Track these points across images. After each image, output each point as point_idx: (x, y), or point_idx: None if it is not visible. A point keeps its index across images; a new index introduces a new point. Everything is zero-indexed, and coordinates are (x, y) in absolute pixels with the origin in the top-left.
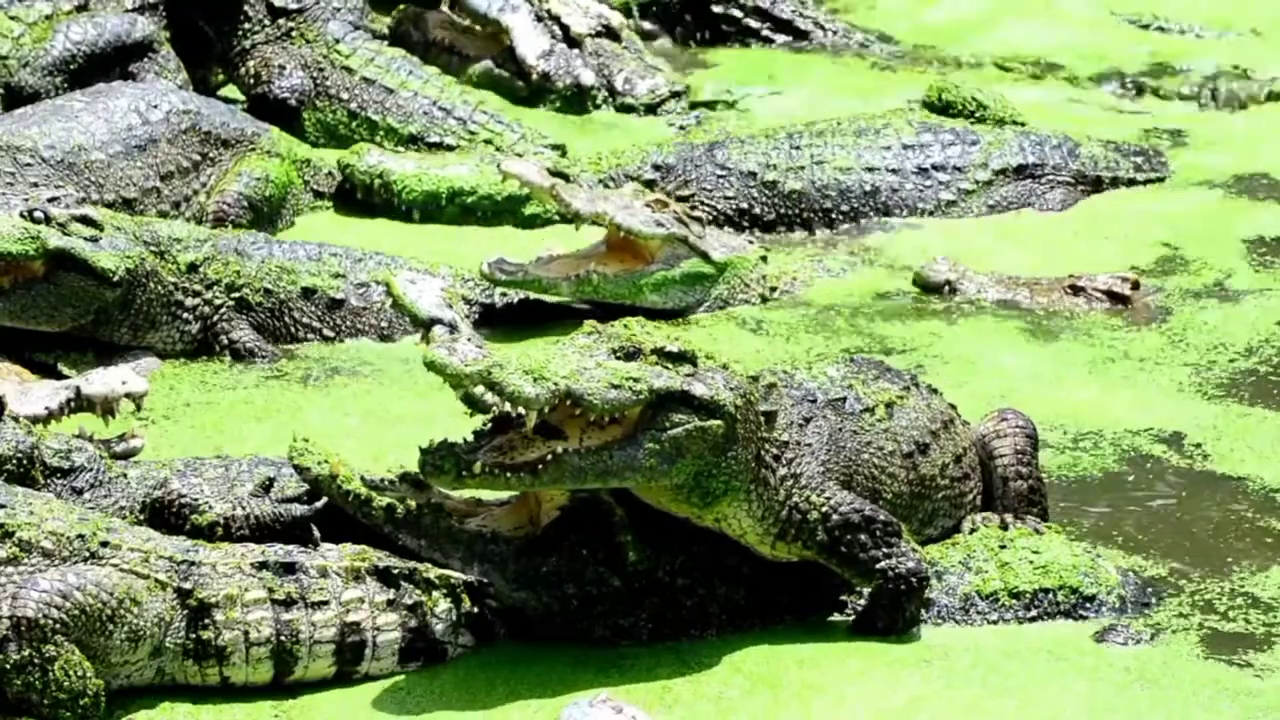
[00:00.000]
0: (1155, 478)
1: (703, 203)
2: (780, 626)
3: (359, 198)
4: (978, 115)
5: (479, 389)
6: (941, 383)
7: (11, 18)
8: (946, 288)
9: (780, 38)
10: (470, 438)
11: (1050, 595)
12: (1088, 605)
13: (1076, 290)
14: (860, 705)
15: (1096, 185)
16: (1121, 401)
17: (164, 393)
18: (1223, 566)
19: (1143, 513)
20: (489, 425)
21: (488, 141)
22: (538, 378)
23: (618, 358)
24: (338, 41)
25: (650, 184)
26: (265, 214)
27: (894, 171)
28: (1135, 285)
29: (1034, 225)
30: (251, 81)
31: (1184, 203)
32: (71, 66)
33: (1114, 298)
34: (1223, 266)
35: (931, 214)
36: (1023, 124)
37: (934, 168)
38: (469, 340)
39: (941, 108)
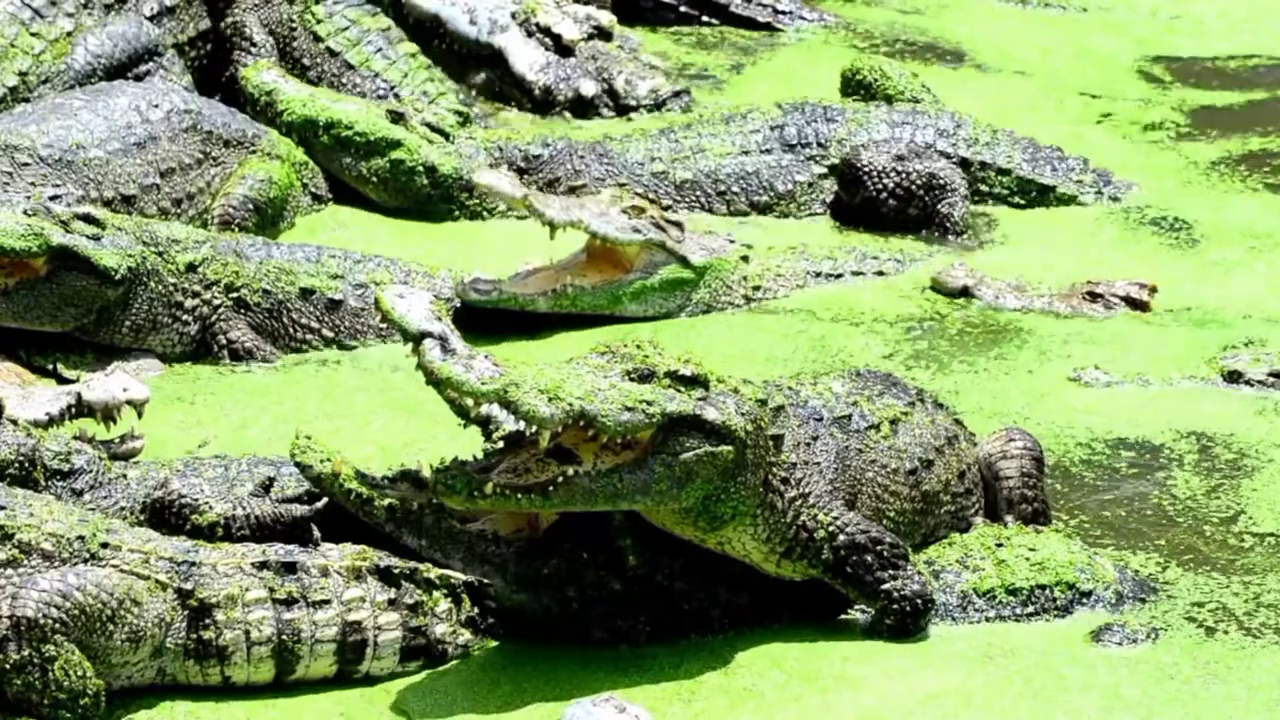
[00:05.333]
0: (1160, 478)
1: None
2: (832, 623)
3: (246, 111)
4: (879, 86)
5: (493, 407)
6: (948, 384)
7: (33, 34)
8: (963, 293)
9: (707, 18)
10: (481, 456)
11: (1047, 592)
12: (1084, 601)
13: (1095, 296)
14: (875, 698)
15: (963, 167)
16: (1133, 403)
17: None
18: (1225, 564)
19: (1149, 511)
20: (500, 444)
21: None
22: (553, 398)
23: (631, 379)
24: (319, 2)
25: (536, 158)
26: (269, 216)
27: (767, 151)
28: (1154, 290)
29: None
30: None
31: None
32: (92, 80)
33: (1132, 303)
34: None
35: (810, 187)
36: (918, 100)
37: (800, 145)
38: (485, 357)
39: (850, 75)
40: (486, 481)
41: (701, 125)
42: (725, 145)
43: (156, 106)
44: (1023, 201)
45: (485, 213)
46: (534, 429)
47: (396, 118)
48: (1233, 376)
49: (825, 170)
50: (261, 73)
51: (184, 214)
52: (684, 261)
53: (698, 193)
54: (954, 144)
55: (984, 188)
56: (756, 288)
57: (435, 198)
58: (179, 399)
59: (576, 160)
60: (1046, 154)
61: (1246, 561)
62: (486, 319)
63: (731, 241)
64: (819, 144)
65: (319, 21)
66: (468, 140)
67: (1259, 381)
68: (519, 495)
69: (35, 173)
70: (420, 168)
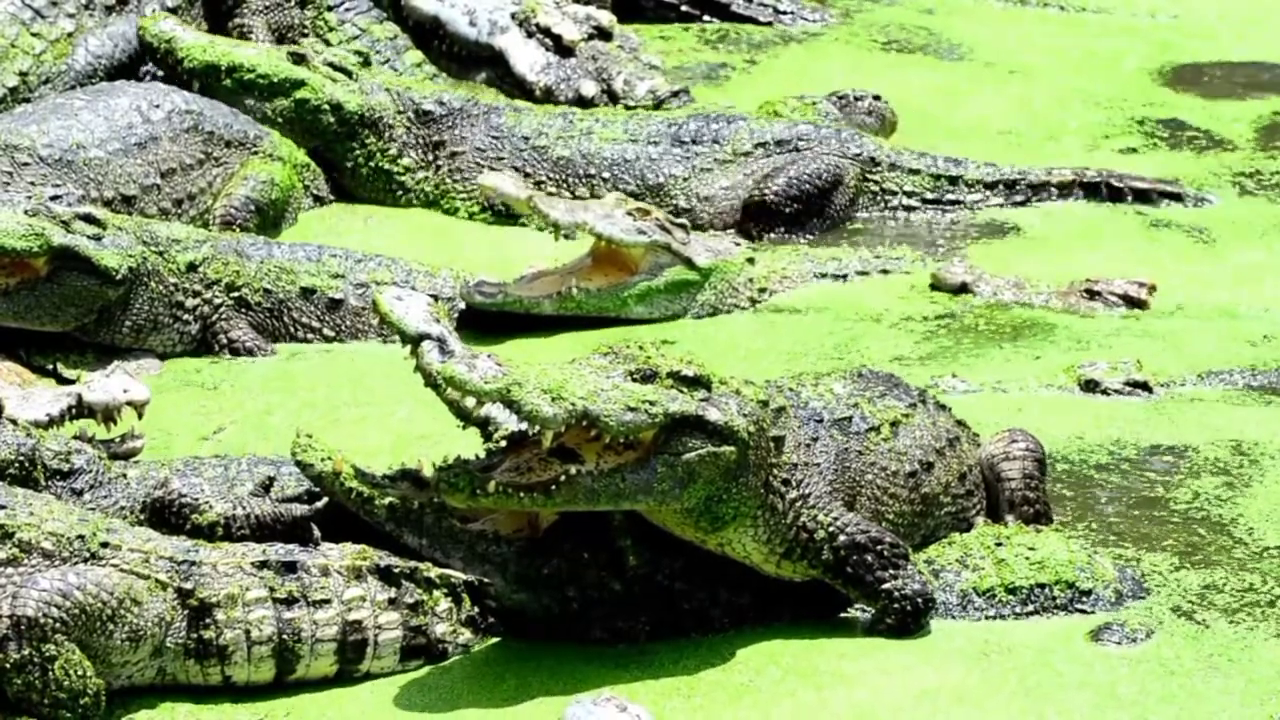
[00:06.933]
0: (1160, 476)
1: (477, 163)
2: (829, 620)
3: (147, 62)
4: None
5: (495, 407)
6: (947, 382)
7: (34, 34)
8: (961, 289)
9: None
10: (483, 455)
11: (1046, 590)
12: (1084, 600)
13: (1093, 294)
14: (870, 693)
15: (873, 165)
16: (1131, 402)
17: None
18: (1223, 563)
19: (1148, 510)
20: (503, 443)
21: None
22: (556, 397)
23: (634, 379)
24: (330, 10)
25: (427, 114)
26: (270, 217)
27: (654, 143)
28: (1152, 289)
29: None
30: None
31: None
32: (93, 81)
33: (1130, 301)
34: None
35: (685, 181)
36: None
37: (694, 140)
38: (488, 357)
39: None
40: (489, 480)
41: (605, 112)
42: (615, 131)
43: (157, 107)
44: (934, 198)
45: (379, 154)
46: (537, 429)
47: (298, 59)
48: (1089, 386)
49: (708, 166)
50: (159, 22)
51: (185, 214)
52: (689, 263)
53: (567, 172)
54: (859, 149)
55: (894, 186)
56: (762, 290)
57: (341, 135)
58: (201, 385)
59: (465, 124)
60: (943, 159)
61: (1244, 560)
62: (488, 319)
63: (737, 244)
64: (713, 141)
65: (331, 30)
66: (370, 79)
67: (1116, 391)
68: (521, 494)
69: (36, 173)
70: (326, 106)
